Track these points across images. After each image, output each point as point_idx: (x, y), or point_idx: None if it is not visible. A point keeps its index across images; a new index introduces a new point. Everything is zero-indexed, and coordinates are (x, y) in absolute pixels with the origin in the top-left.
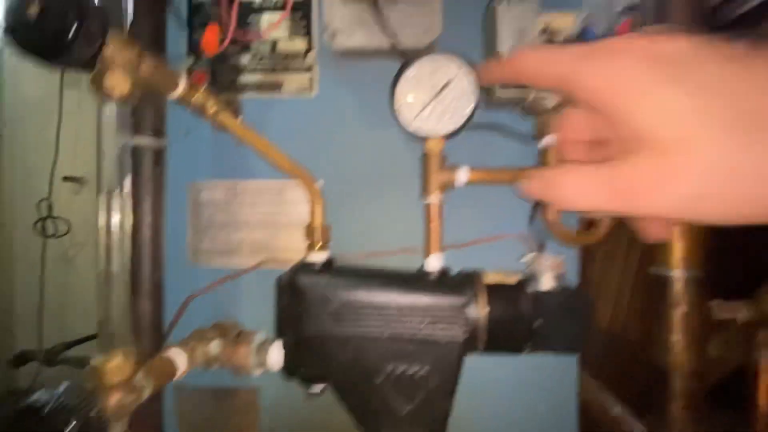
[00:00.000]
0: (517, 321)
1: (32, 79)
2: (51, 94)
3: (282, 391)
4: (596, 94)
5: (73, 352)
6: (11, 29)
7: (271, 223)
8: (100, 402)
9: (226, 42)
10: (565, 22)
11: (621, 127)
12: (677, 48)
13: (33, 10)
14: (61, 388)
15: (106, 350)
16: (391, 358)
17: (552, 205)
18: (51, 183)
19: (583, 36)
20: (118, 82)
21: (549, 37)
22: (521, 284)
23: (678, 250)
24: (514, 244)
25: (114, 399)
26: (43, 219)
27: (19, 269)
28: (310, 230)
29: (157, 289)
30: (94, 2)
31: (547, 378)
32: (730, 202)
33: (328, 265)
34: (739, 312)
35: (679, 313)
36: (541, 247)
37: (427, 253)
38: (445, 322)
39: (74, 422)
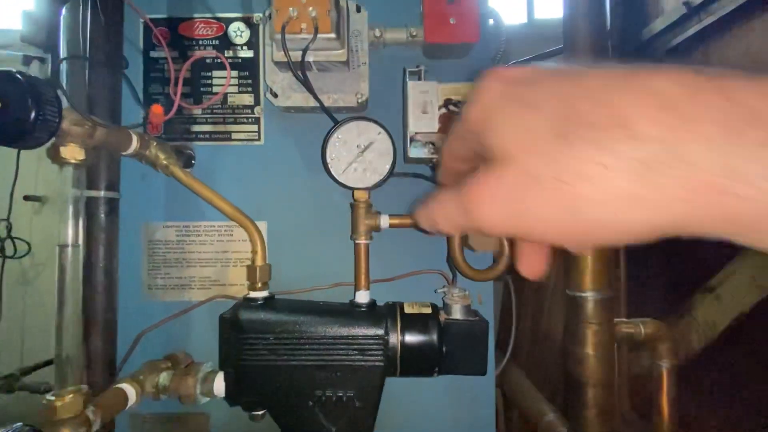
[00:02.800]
0: (427, 348)
1: None
2: None
3: (229, 415)
4: (471, 124)
5: (31, 377)
6: None
7: (221, 260)
8: None
9: (171, 114)
10: (468, 92)
11: (484, 149)
12: (521, 73)
13: None
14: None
15: (61, 386)
16: (321, 385)
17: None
18: (11, 202)
19: None
20: (74, 153)
21: (452, 107)
22: (434, 314)
23: (588, 275)
24: (433, 278)
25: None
26: (2, 240)
27: None
28: (251, 270)
29: (109, 327)
30: (49, 91)
31: (467, 392)
32: (545, 216)
33: (269, 301)
34: (639, 328)
35: (590, 330)
36: (453, 281)
37: (357, 287)
38: (368, 351)
39: None
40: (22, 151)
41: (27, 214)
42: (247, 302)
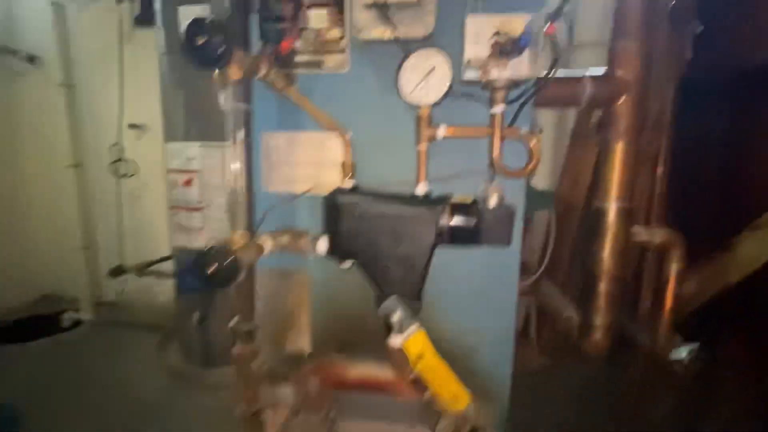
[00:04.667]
0: (468, 226)
1: (93, 31)
2: (110, 47)
3: (325, 272)
4: None
5: (151, 269)
6: (186, 50)
7: (317, 163)
8: (235, 254)
9: (293, 45)
10: (517, 23)
11: None
12: None
13: (200, 41)
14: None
15: (234, 230)
16: (391, 245)
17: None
18: (120, 129)
19: (519, 40)
20: (236, 72)
21: (497, 38)
22: (474, 203)
23: (613, 186)
24: (475, 177)
25: (244, 253)
26: (117, 161)
27: (96, 204)
28: (344, 166)
29: (250, 205)
30: (228, 30)
31: (495, 270)
32: None
33: (355, 189)
34: (653, 235)
35: (610, 233)
36: (491, 179)
37: (417, 182)
38: (424, 226)
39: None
40: (124, 84)
41: (131, 141)
42: (340, 189)
